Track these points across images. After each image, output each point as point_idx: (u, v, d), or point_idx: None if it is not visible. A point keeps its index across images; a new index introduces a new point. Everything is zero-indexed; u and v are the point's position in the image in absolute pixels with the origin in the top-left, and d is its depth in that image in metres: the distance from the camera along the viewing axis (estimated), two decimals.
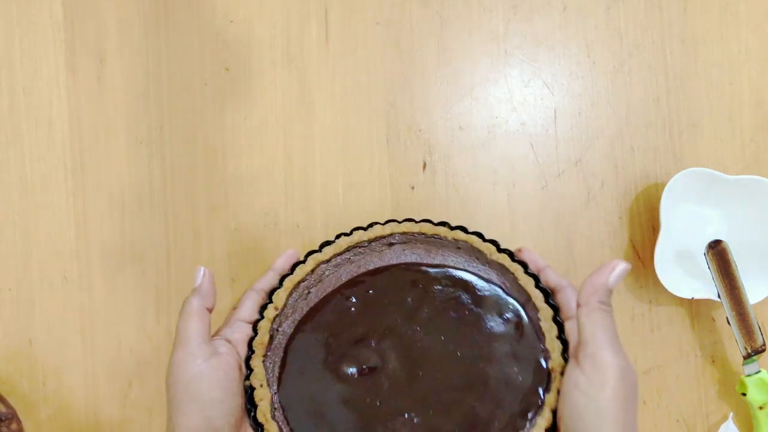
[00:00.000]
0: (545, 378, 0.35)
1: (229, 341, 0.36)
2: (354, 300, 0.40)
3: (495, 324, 0.38)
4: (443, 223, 0.41)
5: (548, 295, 0.37)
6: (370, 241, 0.41)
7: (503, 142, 0.53)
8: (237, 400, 0.34)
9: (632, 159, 0.53)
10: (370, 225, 0.41)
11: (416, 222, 0.41)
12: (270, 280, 0.40)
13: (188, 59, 0.53)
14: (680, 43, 0.54)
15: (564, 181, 0.53)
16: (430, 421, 0.35)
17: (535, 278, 0.38)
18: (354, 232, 0.41)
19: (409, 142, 0.53)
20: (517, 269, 0.38)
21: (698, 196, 0.52)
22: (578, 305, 0.32)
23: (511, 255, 0.39)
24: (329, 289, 0.41)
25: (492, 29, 0.54)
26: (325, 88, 0.53)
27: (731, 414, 0.53)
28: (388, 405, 0.36)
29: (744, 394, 0.50)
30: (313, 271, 0.40)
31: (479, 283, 0.39)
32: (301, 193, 0.53)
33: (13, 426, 0.50)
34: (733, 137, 0.54)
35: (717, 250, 0.50)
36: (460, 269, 0.40)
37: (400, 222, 0.42)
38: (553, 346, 0.35)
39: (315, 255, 0.40)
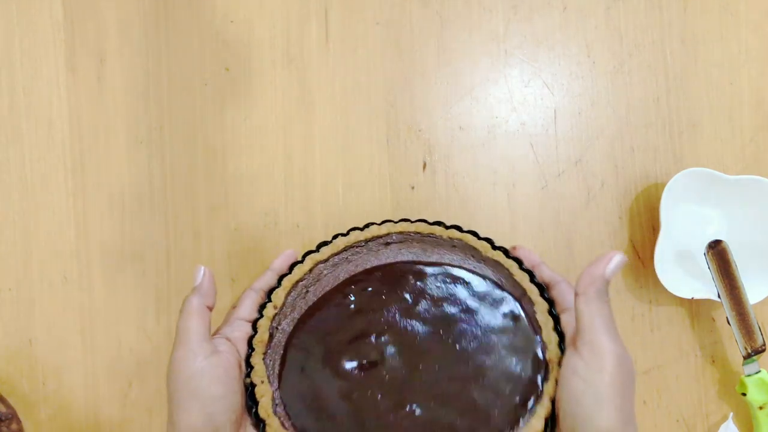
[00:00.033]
0: (543, 368, 0.35)
1: (229, 339, 0.36)
2: (352, 298, 0.40)
3: (492, 318, 0.38)
4: (438, 223, 0.42)
5: (543, 289, 0.38)
6: (366, 241, 0.42)
7: (503, 142, 0.53)
8: (237, 398, 0.34)
9: (632, 159, 0.53)
10: (367, 225, 0.42)
11: (412, 222, 0.42)
12: (268, 279, 0.41)
13: (188, 59, 0.53)
14: (680, 43, 0.54)
15: (564, 181, 0.53)
16: (432, 412, 0.35)
17: (530, 274, 0.38)
18: (351, 232, 0.42)
19: (409, 142, 0.53)
20: (511, 265, 0.39)
21: (698, 196, 0.52)
22: (576, 295, 0.33)
23: (505, 252, 0.40)
24: (327, 288, 0.41)
25: (492, 29, 0.54)
26: (325, 88, 0.53)
27: (731, 414, 0.53)
28: (389, 398, 0.36)
29: (744, 394, 0.50)
30: (311, 270, 0.41)
31: (475, 279, 0.40)
32: (301, 193, 0.53)
33: (13, 426, 0.50)
34: (733, 137, 0.54)
35: (717, 250, 0.50)
36: (456, 266, 0.41)
37: (396, 222, 0.42)
38: (550, 337, 0.36)
39: (313, 255, 0.41)
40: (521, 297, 0.39)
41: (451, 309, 0.39)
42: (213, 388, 0.33)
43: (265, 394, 0.35)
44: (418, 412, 0.35)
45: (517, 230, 0.53)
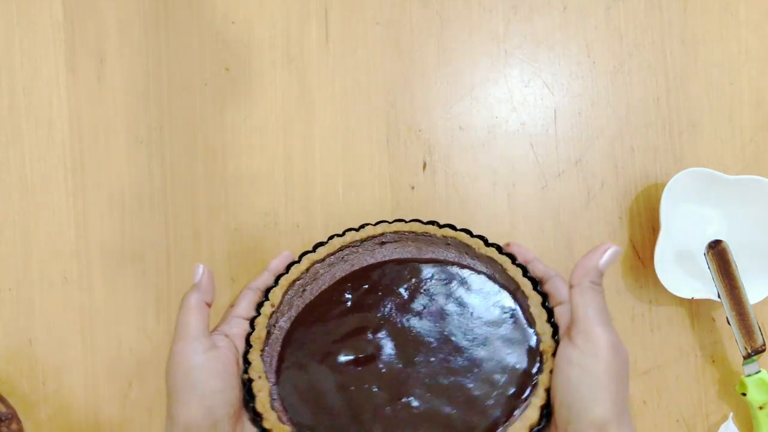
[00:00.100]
0: (538, 359, 0.36)
1: (227, 336, 0.37)
2: (349, 295, 0.41)
3: (486, 311, 0.39)
4: (432, 222, 0.42)
5: (536, 283, 0.38)
6: (362, 241, 0.42)
7: (503, 142, 0.53)
8: (236, 392, 0.34)
9: (632, 159, 0.53)
10: (362, 226, 0.43)
11: (407, 222, 0.43)
12: (266, 279, 0.41)
13: (188, 59, 0.53)
14: (680, 43, 0.54)
15: (564, 181, 0.53)
16: (428, 404, 0.36)
17: (523, 269, 0.39)
18: (346, 232, 0.43)
19: (409, 142, 0.53)
20: (505, 261, 0.39)
21: (698, 196, 0.52)
22: (571, 286, 0.33)
23: (499, 249, 0.40)
24: (324, 286, 0.42)
25: (492, 29, 0.54)
26: (325, 88, 0.53)
27: (731, 414, 0.53)
28: (385, 391, 0.36)
29: (744, 394, 0.50)
30: (307, 270, 0.41)
31: (469, 274, 0.41)
32: (301, 193, 0.53)
33: (13, 426, 0.50)
34: (733, 137, 0.54)
35: (717, 250, 0.50)
36: (451, 263, 0.42)
37: (391, 222, 0.43)
38: (544, 329, 0.36)
39: (309, 255, 0.41)
40: (515, 291, 0.39)
41: (446, 303, 0.40)
42: (212, 382, 0.33)
43: (262, 389, 0.35)
44: (414, 404, 0.36)
45: (517, 230, 0.53)
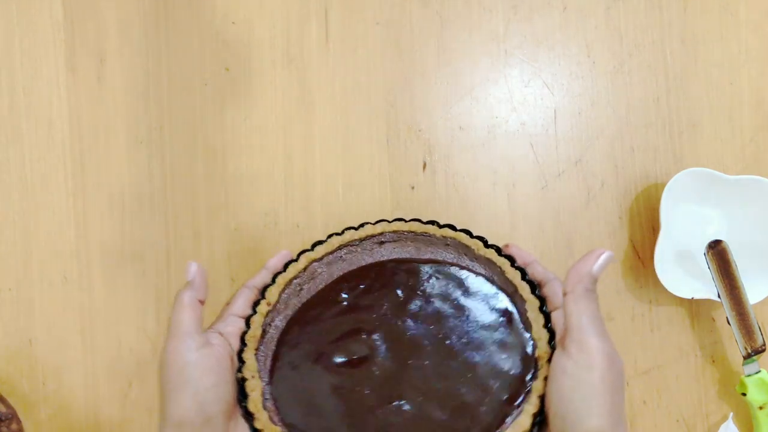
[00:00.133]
0: (532, 365, 0.35)
1: (221, 334, 0.37)
2: (345, 295, 0.41)
3: (483, 314, 0.39)
4: (432, 222, 0.42)
5: (535, 287, 0.38)
6: (361, 240, 0.42)
7: (503, 142, 0.53)
8: (229, 388, 0.34)
9: (632, 159, 0.53)
10: (362, 225, 0.43)
11: (406, 221, 0.43)
12: (263, 278, 0.41)
13: (188, 59, 0.53)
14: (680, 43, 0.54)
15: (564, 181, 0.53)
16: (420, 408, 0.35)
17: (522, 271, 0.38)
18: (345, 231, 0.42)
19: (409, 142, 0.53)
20: (504, 263, 0.39)
21: (698, 196, 0.52)
22: (564, 293, 0.33)
23: (498, 250, 0.40)
24: (321, 286, 0.42)
25: (492, 29, 0.54)
26: (325, 88, 0.53)
27: (731, 414, 0.53)
28: (377, 393, 0.36)
29: (744, 394, 0.50)
30: (305, 269, 0.41)
31: (468, 276, 0.41)
32: (301, 193, 0.53)
33: (13, 426, 0.50)
34: (733, 137, 0.54)
35: (717, 250, 0.50)
36: (449, 264, 0.41)
37: (390, 222, 0.43)
38: (540, 335, 0.35)
39: (307, 253, 0.41)
40: (513, 294, 0.39)
41: (443, 306, 0.39)
42: (205, 378, 0.33)
43: (255, 388, 0.35)
44: (405, 407, 0.36)
45: (517, 230, 0.53)
